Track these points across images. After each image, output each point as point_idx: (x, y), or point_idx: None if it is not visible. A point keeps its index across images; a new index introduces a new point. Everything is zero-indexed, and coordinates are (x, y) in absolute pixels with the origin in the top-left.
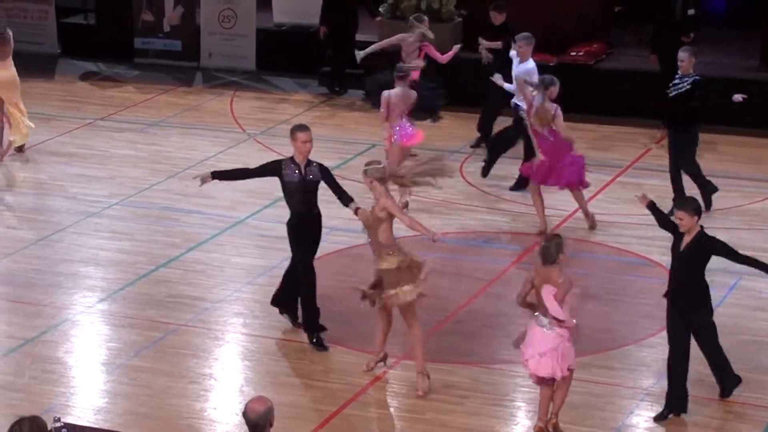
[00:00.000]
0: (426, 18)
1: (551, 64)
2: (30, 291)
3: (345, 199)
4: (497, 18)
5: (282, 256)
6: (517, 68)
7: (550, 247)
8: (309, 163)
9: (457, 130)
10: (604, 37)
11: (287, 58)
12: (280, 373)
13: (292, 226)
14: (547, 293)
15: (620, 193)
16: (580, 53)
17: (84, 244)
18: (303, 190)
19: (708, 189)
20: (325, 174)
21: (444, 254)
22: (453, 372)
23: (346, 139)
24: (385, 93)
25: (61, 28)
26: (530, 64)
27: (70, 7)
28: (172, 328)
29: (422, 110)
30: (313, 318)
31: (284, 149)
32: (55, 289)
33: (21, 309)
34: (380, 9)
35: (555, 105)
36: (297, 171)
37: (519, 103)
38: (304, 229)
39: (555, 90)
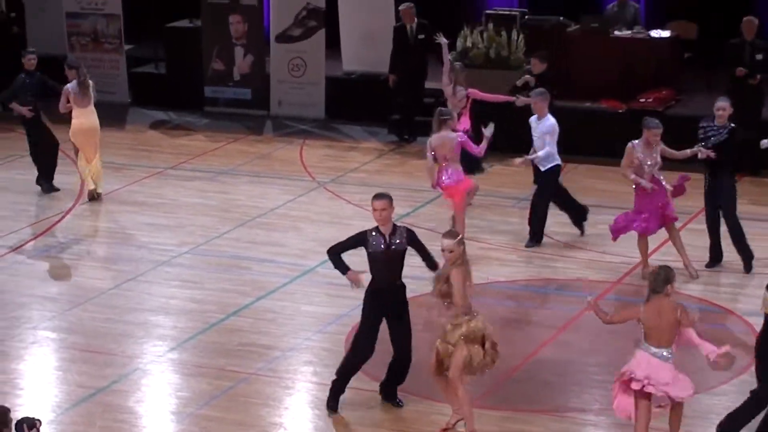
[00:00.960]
0: (458, 65)
1: (620, 111)
2: (101, 340)
3: (430, 263)
4: (537, 67)
5: (352, 305)
6: (538, 128)
7: (659, 276)
8: (395, 230)
9: (527, 177)
10: (673, 83)
11: (356, 106)
12: (350, 422)
13: (370, 292)
14: (691, 335)
15: (690, 239)
16: (650, 100)
17: (154, 293)
18: (387, 259)
19: (745, 255)
20: (412, 239)
21: (514, 302)
22: (524, 420)
23: (416, 187)
24: (429, 138)
25: (132, 78)
26: (550, 120)
27: (140, 56)
28: (243, 377)
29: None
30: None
31: (354, 197)
32: (125, 339)
33: (92, 358)
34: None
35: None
36: (382, 240)
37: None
38: (383, 300)
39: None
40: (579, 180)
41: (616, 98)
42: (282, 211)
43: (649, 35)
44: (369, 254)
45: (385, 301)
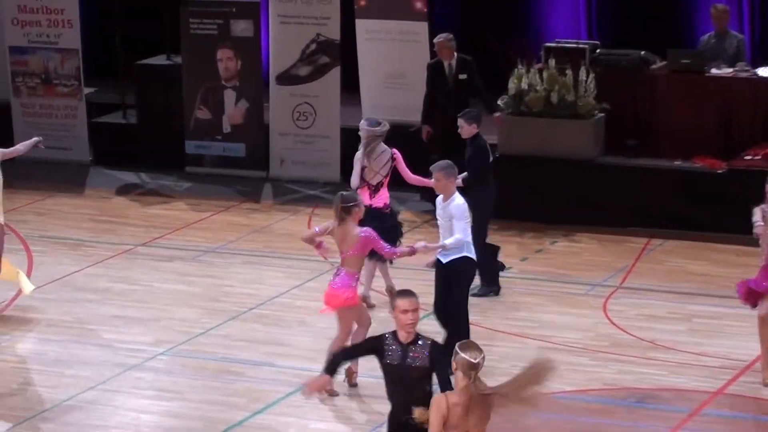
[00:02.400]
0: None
1: (719, 172)
2: None
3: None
4: (466, 130)
5: (376, 421)
6: (445, 210)
7: None
8: (416, 340)
9: (598, 257)
10: None
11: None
12: None
13: (389, 418)
14: None
15: None
16: (758, 157)
17: (121, 405)
18: (400, 376)
19: None
20: (435, 356)
21: (587, 417)
22: None
23: None
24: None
25: (93, 130)
26: (458, 199)
27: (104, 102)
28: None
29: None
30: None
31: (379, 283)
32: None
33: None
34: (499, 102)
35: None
36: (399, 350)
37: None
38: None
39: None
40: (664, 260)
41: (714, 155)
42: (285, 301)
43: (755, 74)
44: (382, 367)
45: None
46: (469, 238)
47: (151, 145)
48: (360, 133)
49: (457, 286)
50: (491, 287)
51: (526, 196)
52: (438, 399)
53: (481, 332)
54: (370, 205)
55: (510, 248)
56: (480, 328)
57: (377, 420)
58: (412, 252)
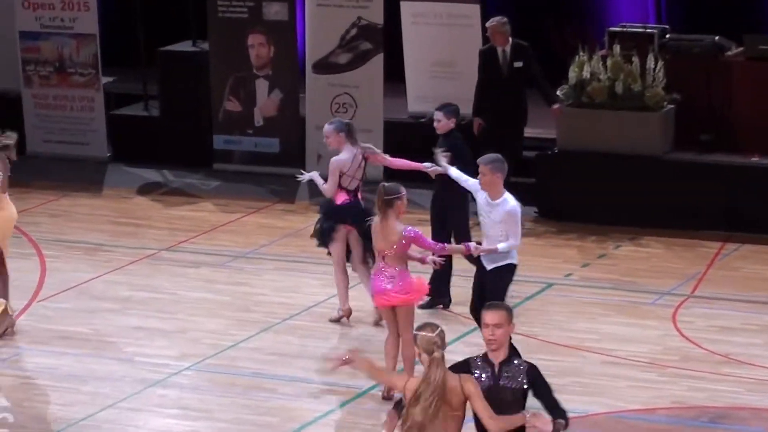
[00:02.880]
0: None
1: None
2: None
3: (556, 414)
4: (443, 126)
5: None
6: (493, 211)
7: None
8: (509, 359)
9: (667, 263)
10: None
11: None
12: None
13: None
14: None
15: None
16: None
17: (143, 425)
18: (491, 402)
19: None
20: (534, 378)
21: None
22: None
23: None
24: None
25: (112, 123)
26: (511, 200)
27: (124, 93)
28: None
29: None
30: None
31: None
32: None
33: None
34: (558, 93)
35: None
36: (489, 372)
37: None
38: None
39: None
40: (739, 266)
41: None
42: (321, 311)
43: None
44: None
45: None
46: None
47: (175, 139)
48: (327, 140)
49: (493, 292)
50: (442, 299)
51: (588, 196)
52: (403, 377)
53: (537, 345)
54: None
55: (570, 253)
56: (536, 341)
57: None
58: (467, 251)
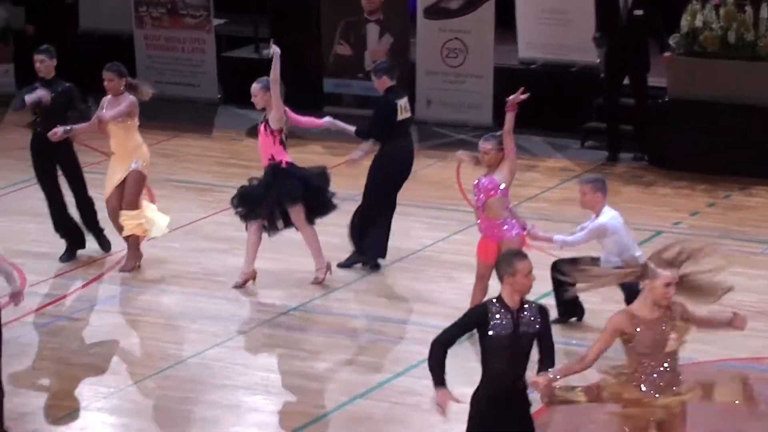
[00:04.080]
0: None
1: None
2: (176, 428)
3: (546, 365)
4: (383, 83)
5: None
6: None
7: None
8: (523, 305)
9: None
10: None
11: (537, 109)
12: None
13: (484, 399)
14: None
15: None
16: None
17: (250, 363)
18: (512, 348)
19: None
20: (545, 323)
21: (763, 387)
22: None
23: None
24: None
25: (223, 65)
26: (602, 217)
27: (235, 35)
28: None
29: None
30: None
31: None
32: (210, 426)
33: None
34: (670, 41)
35: None
36: (510, 318)
37: None
38: (501, 410)
39: None
40: None
41: None
42: (430, 254)
43: None
44: (488, 339)
45: (504, 411)
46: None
47: (285, 82)
48: (254, 98)
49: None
50: (361, 257)
51: (698, 145)
52: (617, 315)
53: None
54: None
55: (679, 201)
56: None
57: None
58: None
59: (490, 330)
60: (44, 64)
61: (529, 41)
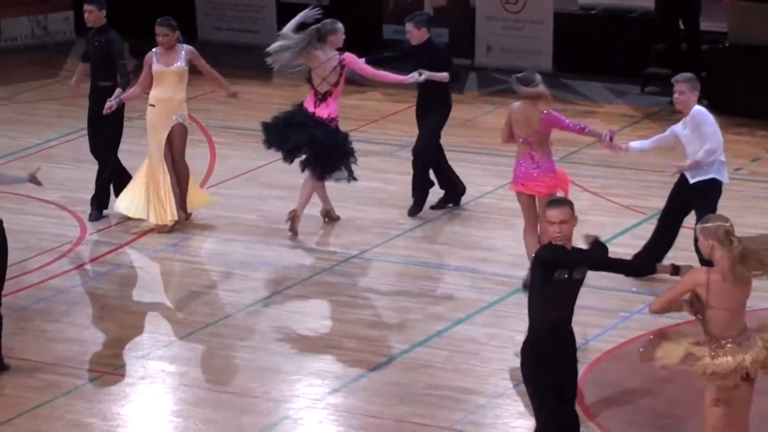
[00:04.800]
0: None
1: None
2: (235, 377)
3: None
4: (415, 35)
5: (590, 333)
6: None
7: None
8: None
9: None
10: None
11: (597, 55)
12: None
13: (536, 344)
14: None
15: None
16: None
17: (310, 312)
18: (568, 291)
19: None
20: (593, 256)
21: None
22: None
23: None
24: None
25: (282, 10)
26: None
27: None
28: None
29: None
30: None
31: (591, 183)
32: (269, 375)
33: (223, 402)
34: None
35: None
36: (567, 262)
37: None
38: (559, 351)
39: None
40: None
41: None
42: (489, 201)
43: None
44: (552, 283)
45: (561, 352)
46: (719, 155)
47: (345, 28)
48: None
49: (700, 209)
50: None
51: (759, 91)
52: (700, 276)
53: None
54: (314, 113)
55: (739, 147)
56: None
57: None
58: (610, 139)
59: (556, 275)
60: (93, 14)
61: None
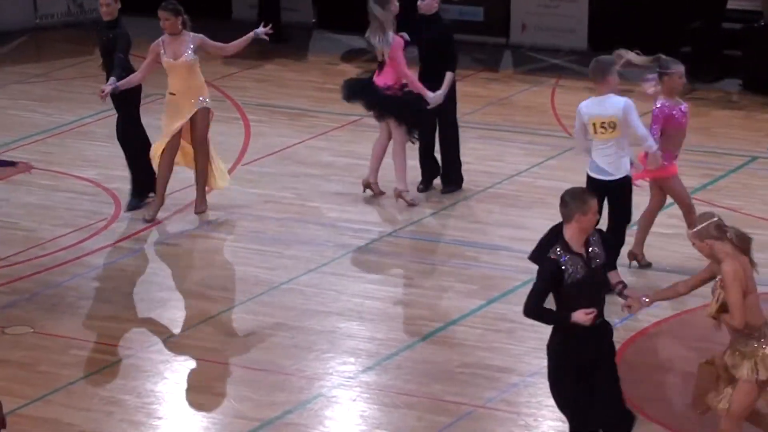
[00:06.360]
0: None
1: None
2: (269, 354)
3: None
4: (425, 4)
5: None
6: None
7: None
8: (587, 240)
9: None
10: None
11: (631, 33)
12: None
13: (568, 338)
14: None
15: None
16: None
17: (344, 290)
18: (591, 284)
19: None
20: (607, 240)
21: None
22: None
23: (714, 149)
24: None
25: None
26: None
27: None
28: (466, 411)
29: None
30: None
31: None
32: (303, 353)
33: (257, 379)
34: None
35: None
36: (580, 260)
37: None
38: (585, 346)
39: None
40: None
41: None
42: (525, 180)
43: None
44: (567, 288)
45: (589, 345)
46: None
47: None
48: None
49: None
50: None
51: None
52: (733, 268)
53: (740, 218)
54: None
55: None
56: (739, 214)
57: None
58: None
59: (567, 281)
60: (110, 8)
61: None
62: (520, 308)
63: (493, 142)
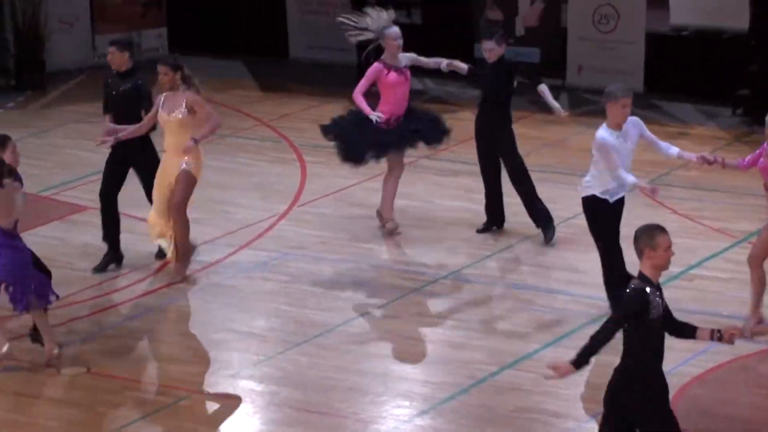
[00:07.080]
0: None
1: None
2: (325, 396)
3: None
4: (495, 52)
5: (683, 358)
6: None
7: None
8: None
9: None
10: None
11: (688, 76)
12: None
13: (650, 376)
14: None
15: None
16: None
17: (400, 331)
18: (663, 324)
19: None
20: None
21: None
22: None
23: None
24: None
25: None
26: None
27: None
28: None
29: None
30: None
31: (681, 205)
32: (358, 395)
33: (313, 421)
34: None
35: None
36: (658, 297)
37: None
38: (658, 386)
39: None
40: None
41: None
42: (581, 222)
43: None
44: (649, 322)
45: (658, 386)
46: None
47: (436, 47)
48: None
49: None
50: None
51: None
52: None
53: None
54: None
55: None
56: None
57: (684, 357)
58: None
59: (651, 315)
60: (114, 56)
61: (680, 6)
62: (575, 352)
63: (548, 184)
